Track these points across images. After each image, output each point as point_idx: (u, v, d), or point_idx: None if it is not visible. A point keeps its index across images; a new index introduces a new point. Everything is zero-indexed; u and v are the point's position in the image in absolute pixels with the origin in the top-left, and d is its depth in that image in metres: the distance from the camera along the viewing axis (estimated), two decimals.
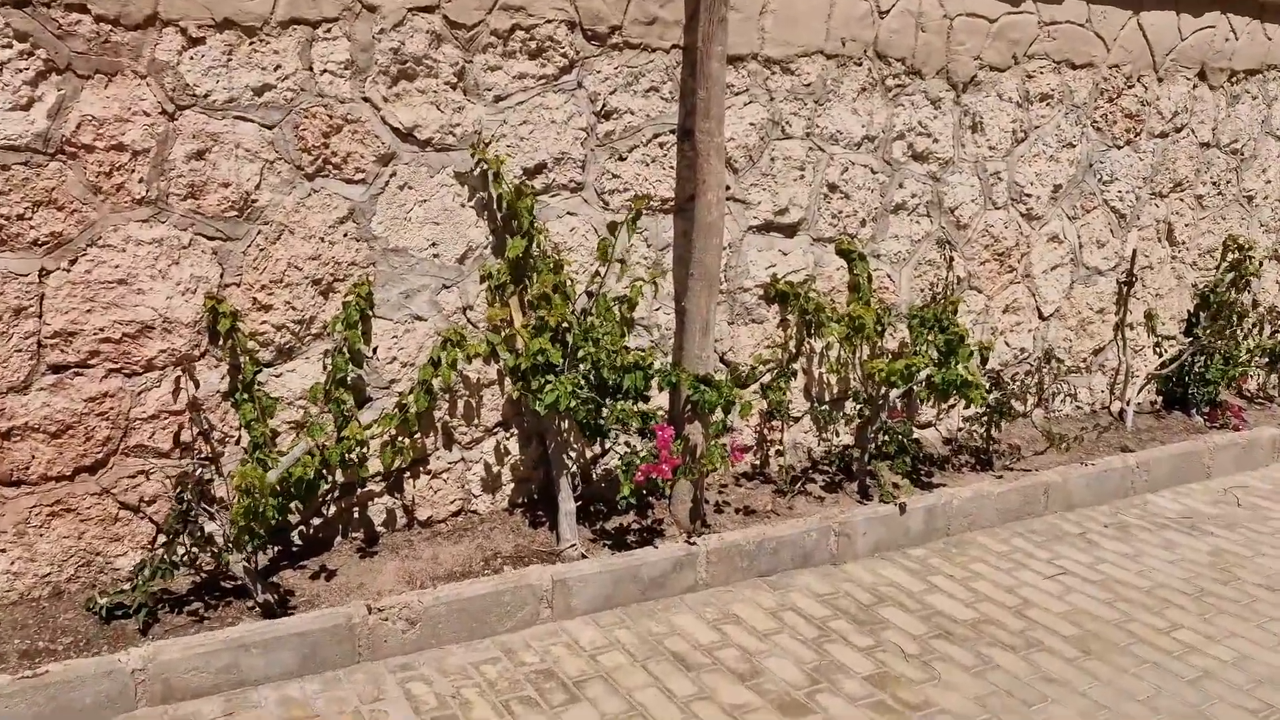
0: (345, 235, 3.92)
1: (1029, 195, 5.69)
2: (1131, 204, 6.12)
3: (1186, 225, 6.43)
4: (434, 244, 4.10)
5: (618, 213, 4.47)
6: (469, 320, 4.23)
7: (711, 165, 4.30)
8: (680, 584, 4.20)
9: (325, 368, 3.95)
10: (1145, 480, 5.67)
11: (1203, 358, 6.42)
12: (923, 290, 5.45)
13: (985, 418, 5.39)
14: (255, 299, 3.79)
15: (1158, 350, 6.48)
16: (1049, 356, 5.87)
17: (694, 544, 4.21)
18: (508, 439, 4.44)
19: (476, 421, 4.34)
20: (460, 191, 4.12)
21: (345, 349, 3.93)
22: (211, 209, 3.66)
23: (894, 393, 4.94)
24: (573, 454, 4.55)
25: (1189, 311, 6.63)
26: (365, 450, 3.93)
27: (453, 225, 4.12)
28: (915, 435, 5.28)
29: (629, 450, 4.12)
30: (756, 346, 4.97)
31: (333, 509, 4.11)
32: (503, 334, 4.11)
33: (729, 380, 4.33)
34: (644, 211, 4.30)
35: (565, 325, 4.10)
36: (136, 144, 3.49)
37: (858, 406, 5.13)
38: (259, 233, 3.75)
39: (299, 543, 4.08)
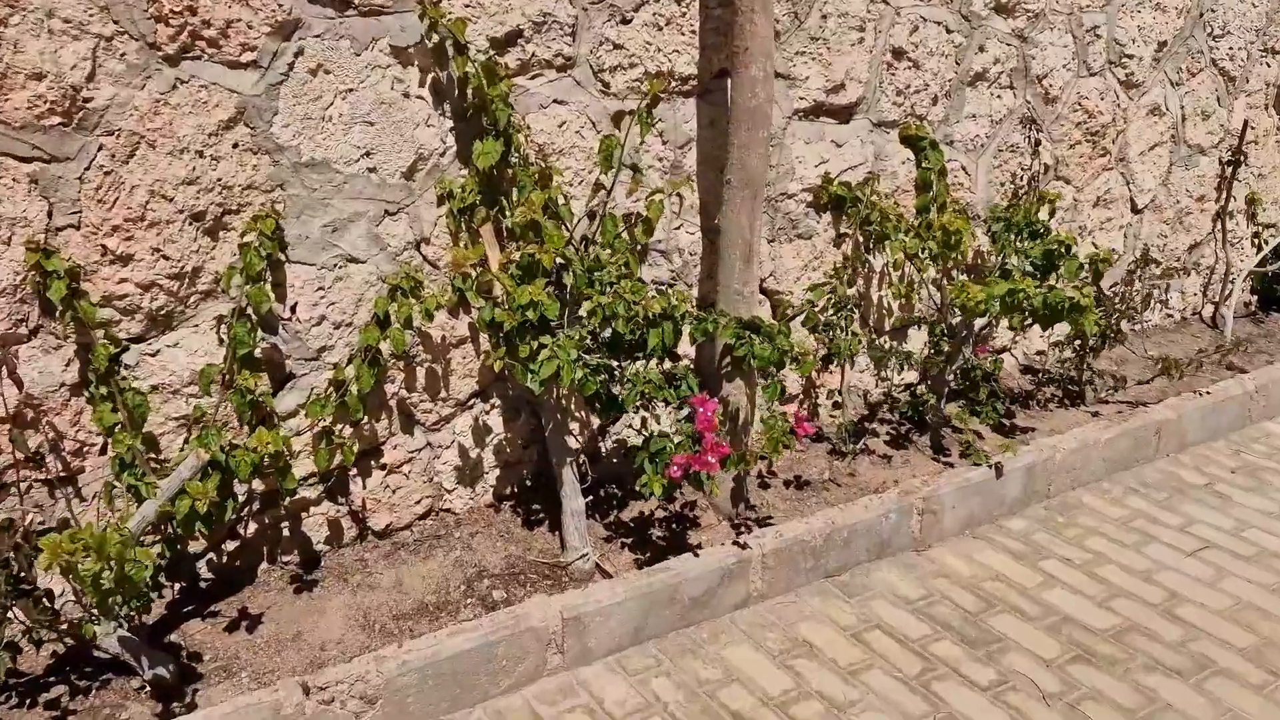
0: (235, 147, 2.69)
1: (1129, 56, 4.49)
2: (1242, 63, 4.93)
3: None
4: (368, 153, 2.88)
5: (623, 98, 3.24)
6: (425, 258, 3.04)
7: (755, 27, 3.07)
8: (730, 599, 3.15)
9: (222, 339, 2.76)
10: (1263, 406, 4.67)
11: None
12: (1002, 184, 4.30)
13: (1078, 341, 4.32)
14: (106, 247, 2.57)
15: (1256, 242, 5.40)
16: (1146, 258, 4.77)
17: (745, 544, 3.15)
18: (488, 413, 3.31)
19: (444, 394, 3.19)
20: (403, 75, 2.88)
21: (250, 310, 2.75)
22: (19, 115, 2.41)
23: (979, 322, 3.84)
24: (575, 428, 3.43)
25: None
26: (289, 451, 2.77)
27: (394, 125, 2.89)
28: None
29: (656, 433, 2.99)
30: (804, 269, 3.82)
31: (252, 527, 2.98)
32: (474, 276, 2.92)
33: (781, 323, 3.19)
34: (661, 96, 3.07)
35: (562, 262, 2.92)
36: None
37: (933, 340, 4.03)
38: (101, 148, 2.51)
39: (209, 576, 2.96)
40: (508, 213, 3.01)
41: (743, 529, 3.34)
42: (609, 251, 3.06)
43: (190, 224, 2.67)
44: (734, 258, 3.26)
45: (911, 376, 4.27)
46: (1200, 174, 5.01)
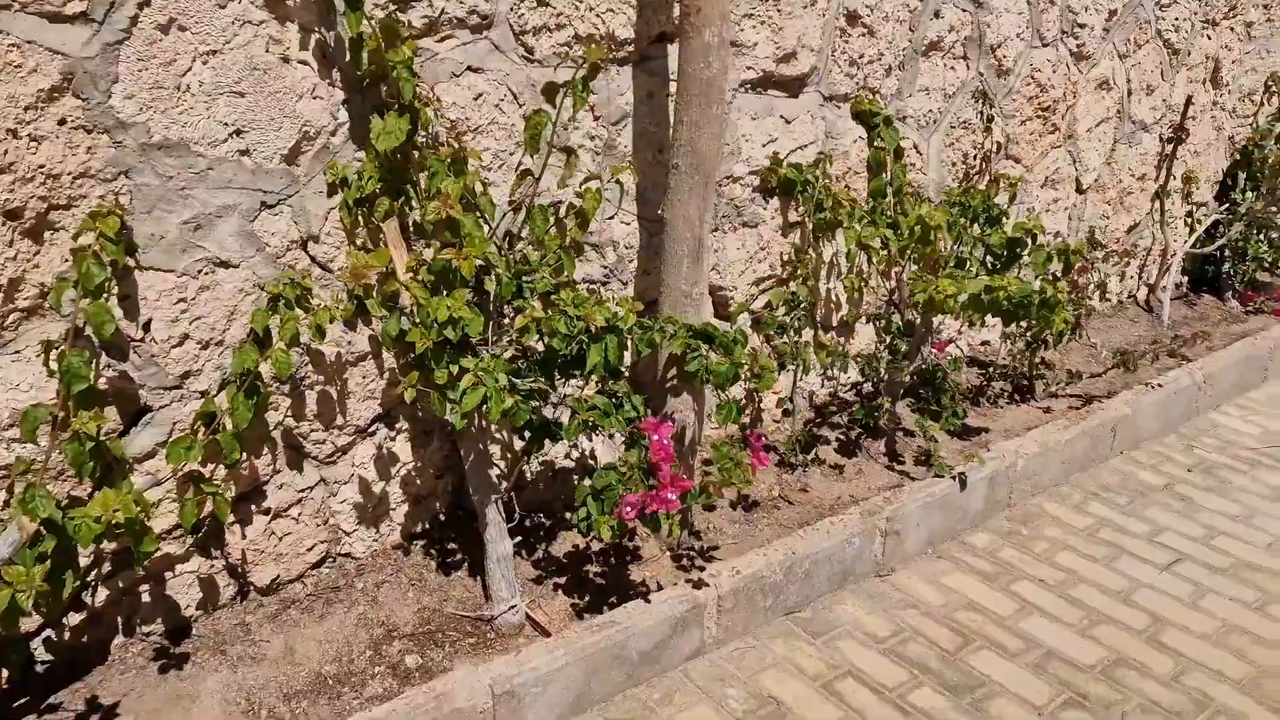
0: (62, 124, 2.09)
1: (1081, 26, 4.18)
2: (1185, 35, 4.70)
3: (1233, 62, 5.08)
4: (238, 132, 2.31)
5: (550, 66, 2.74)
6: (315, 260, 2.50)
7: None
8: (683, 650, 2.74)
9: (53, 370, 2.18)
10: (1209, 396, 4.49)
11: (1241, 229, 5.21)
12: (954, 164, 3.95)
13: (1030, 333, 4.03)
14: None
15: (1189, 222, 5.22)
16: (1093, 241, 4.51)
17: (700, 582, 2.74)
18: (393, 439, 2.79)
19: (341, 421, 2.66)
20: (280, 34, 2.31)
21: (90, 331, 2.17)
22: None
23: (939, 318, 3.50)
24: (496, 451, 2.94)
25: (1223, 173, 5.37)
26: (147, 511, 2.21)
27: (271, 97, 2.33)
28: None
29: (601, 466, 2.53)
30: (749, 261, 3.40)
31: (103, 593, 2.42)
32: (374, 283, 2.38)
33: (734, 329, 2.76)
34: (600, 64, 2.57)
35: (482, 264, 2.41)
36: None
37: (888, 337, 3.67)
38: None
39: (48, 658, 2.38)
40: (415, 204, 2.49)
41: (688, 561, 2.93)
42: (538, 250, 2.56)
43: (3, 224, 2.07)
44: (681, 254, 2.81)
45: (857, 375, 3.91)
46: (1143, 151, 4.78)
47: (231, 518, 2.52)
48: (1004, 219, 3.67)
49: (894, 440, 3.68)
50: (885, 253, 3.40)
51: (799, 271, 3.32)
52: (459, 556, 2.90)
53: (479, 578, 2.80)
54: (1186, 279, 5.41)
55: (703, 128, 2.70)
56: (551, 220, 2.63)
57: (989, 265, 3.55)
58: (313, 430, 2.62)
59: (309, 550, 2.71)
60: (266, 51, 2.30)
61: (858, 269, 3.60)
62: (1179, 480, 3.90)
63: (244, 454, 2.47)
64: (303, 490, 2.65)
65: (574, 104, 2.46)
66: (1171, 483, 3.87)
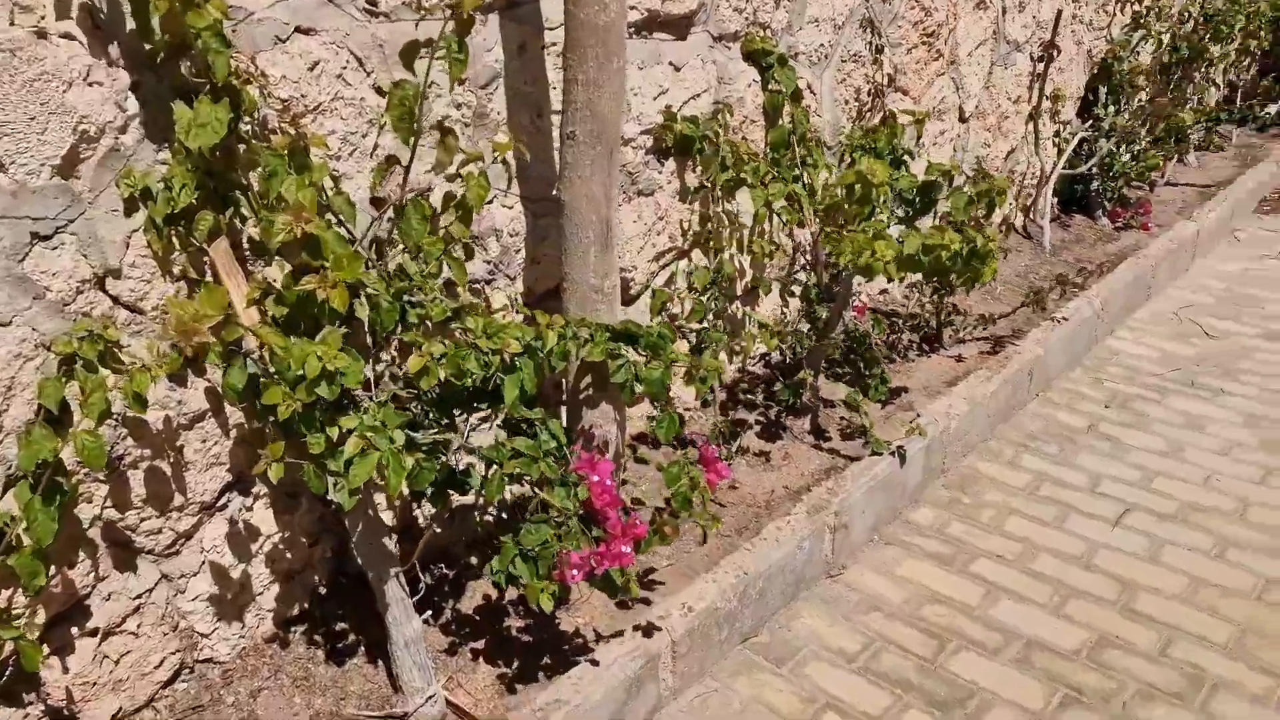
0: None
1: None
2: None
3: None
4: None
5: (402, 20, 2.16)
6: (119, 300, 1.87)
7: None
8: (639, 713, 2.31)
9: None
10: (1106, 323, 4.36)
11: (1108, 144, 5.11)
12: (847, 102, 3.58)
13: (937, 279, 3.74)
14: None
15: (1057, 142, 5.08)
16: (981, 172, 4.26)
17: (652, 628, 2.31)
18: (250, 508, 2.21)
19: (180, 500, 2.06)
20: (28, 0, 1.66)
21: None
22: None
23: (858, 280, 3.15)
24: (381, 500, 2.39)
25: (1083, 88, 5.25)
26: None
27: (25, 87, 1.68)
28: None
29: (531, 518, 2.04)
30: (647, 235, 2.93)
31: None
32: (209, 341, 1.77)
33: (662, 326, 2.30)
34: (473, 15, 2.01)
35: (355, 285, 1.85)
36: None
37: (803, 305, 3.30)
38: None
39: None
40: (250, 214, 1.89)
41: (625, 595, 2.49)
42: (417, 260, 2.01)
43: None
44: (586, 241, 2.31)
45: (760, 346, 3.53)
46: (1018, 73, 4.56)
47: (46, 652, 1.90)
48: (909, 160, 3.33)
49: (818, 416, 3.33)
50: (798, 213, 3.00)
51: (712, 243, 2.88)
52: (352, 638, 2.36)
53: (381, 662, 2.28)
54: (1056, 200, 5.29)
55: (603, 86, 2.19)
56: (424, 214, 2.07)
57: (900, 214, 3.21)
58: (144, 519, 2.01)
59: (157, 667, 2.11)
60: (12, 24, 1.65)
61: (763, 232, 3.19)
62: (1099, 419, 3.73)
63: (51, 570, 1.85)
64: (139, 595, 2.05)
65: (450, 68, 1.91)
66: (1093, 423, 3.70)
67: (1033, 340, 3.86)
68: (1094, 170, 5.13)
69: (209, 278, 1.89)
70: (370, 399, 1.85)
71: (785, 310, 3.55)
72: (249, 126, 1.89)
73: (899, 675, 2.51)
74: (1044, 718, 2.38)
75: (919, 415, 3.29)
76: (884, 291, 4.17)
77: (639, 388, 2.19)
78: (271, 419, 1.76)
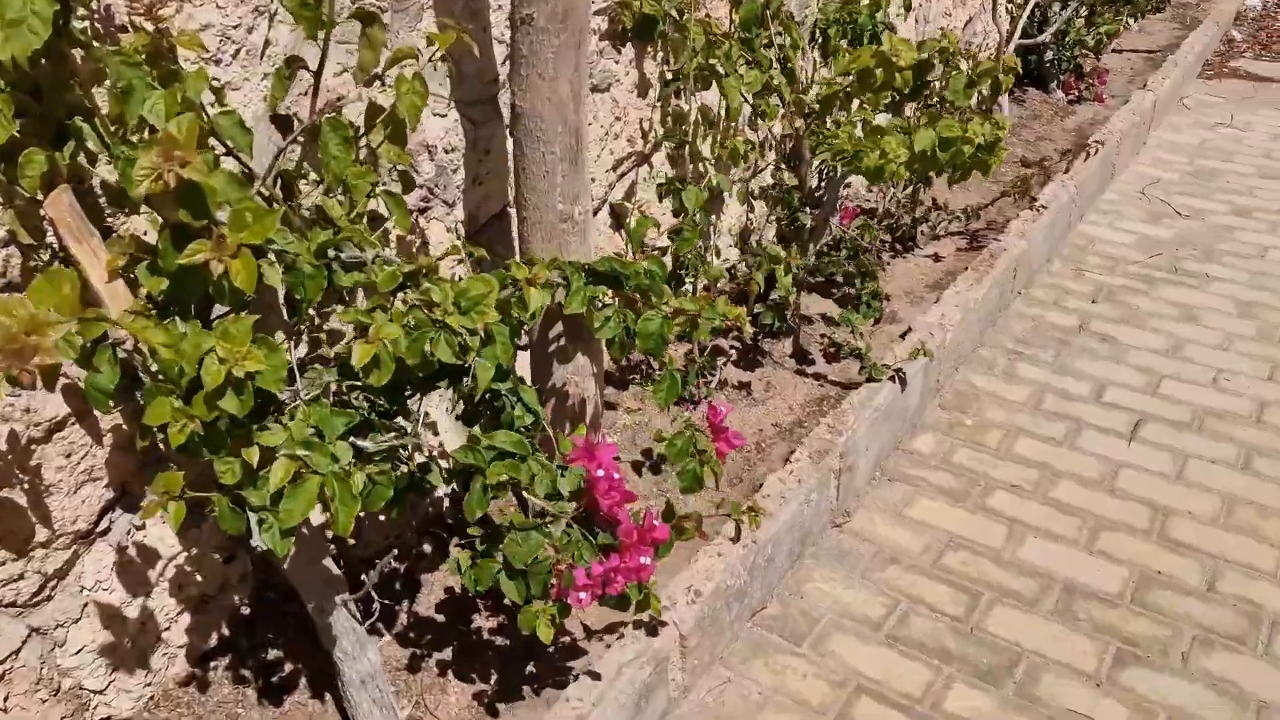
0: None
1: None
2: None
3: None
4: None
5: None
6: None
7: None
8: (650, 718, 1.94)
9: None
10: (1078, 208, 4.04)
11: (1069, 6, 4.72)
12: None
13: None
14: None
15: (1010, 8, 4.66)
16: (946, 52, 3.82)
17: (658, 623, 1.92)
18: (141, 527, 1.71)
19: (45, 533, 1.55)
20: None
21: None
22: None
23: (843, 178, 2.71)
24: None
25: None
26: None
27: None
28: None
29: (518, 525, 1.59)
30: (604, 139, 2.43)
31: None
32: (46, 351, 1.24)
33: (653, 259, 1.85)
34: None
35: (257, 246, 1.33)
36: None
37: (784, 212, 2.86)
38: None
39: None
40: (98, 149, 1.34)
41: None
42: (338, 198, 1.49)
43: None
44: (551, 158, 1.82)
45: (734, 253, 3.10)
46: None
47: None
48: (889, 35, 2.87)
49: (798, 337, 2.93)
50: (777, 106, 2.53)
51: (683, 144, 2.39)
52: (289, 668, 1.91)
53: (329, 695, 1.84)
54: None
55: None
56: (344, 139, 1.54)
57: (888, 99, 2.76)
58: None
59: None
60: None
61: (732, 129, 2.72)
62: (1089, 316, 3.43)
63: None
64: (3, 660, 1.55)
65: None
66: (1084, 321, 3.40)
67: (1015, 234, 3.51)
68: (1048, 40, 4.75)
69: (50, 241, 1.34)
70: (297, 396, 1.36)
71: (750, 217, 3.10)
72: (84, 23, 1.32)
73: (934, 643, 2.19)
74: (1105, 683, 2.09)
75: (910, 329, 2.93)
76: (847, 185, 3.75)
77: (639, 344, 1.74)
78: (162, 439, 1.26)
